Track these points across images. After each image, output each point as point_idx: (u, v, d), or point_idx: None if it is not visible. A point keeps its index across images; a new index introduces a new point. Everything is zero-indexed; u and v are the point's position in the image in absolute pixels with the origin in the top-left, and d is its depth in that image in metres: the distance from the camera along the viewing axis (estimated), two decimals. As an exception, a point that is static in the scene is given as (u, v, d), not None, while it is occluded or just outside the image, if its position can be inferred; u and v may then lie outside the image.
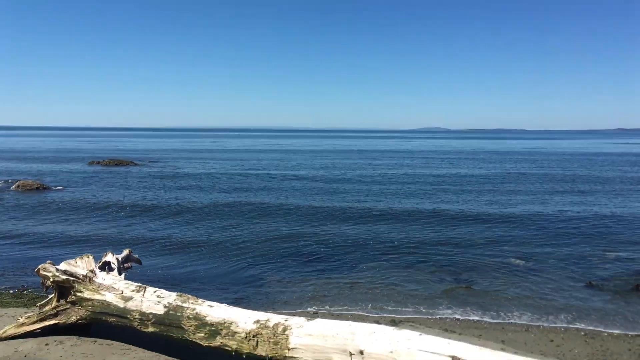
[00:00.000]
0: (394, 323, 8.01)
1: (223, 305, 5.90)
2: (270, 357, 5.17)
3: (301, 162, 46.73)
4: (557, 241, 14.44)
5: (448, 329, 7.87)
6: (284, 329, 5.18)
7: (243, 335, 5.33)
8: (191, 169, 37.28)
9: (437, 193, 24.93)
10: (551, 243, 14.22)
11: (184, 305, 5.86)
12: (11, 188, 24.54)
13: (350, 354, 4.75)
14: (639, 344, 7.61)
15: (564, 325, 8.38)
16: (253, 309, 6.04)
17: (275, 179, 30.64)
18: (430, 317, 8.63)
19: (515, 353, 5.46)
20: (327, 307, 9.06)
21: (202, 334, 5.56)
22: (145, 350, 6.28)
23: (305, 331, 5.09)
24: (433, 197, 23.41)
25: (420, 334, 4.79)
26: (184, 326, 5.69)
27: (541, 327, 8.23)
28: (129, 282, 6.65)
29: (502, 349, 6.52)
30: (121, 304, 6.20)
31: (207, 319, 5.62)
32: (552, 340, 7.49)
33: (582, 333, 8.00)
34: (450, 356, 4.40)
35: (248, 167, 40.09)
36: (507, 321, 8.52)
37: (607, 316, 8.87)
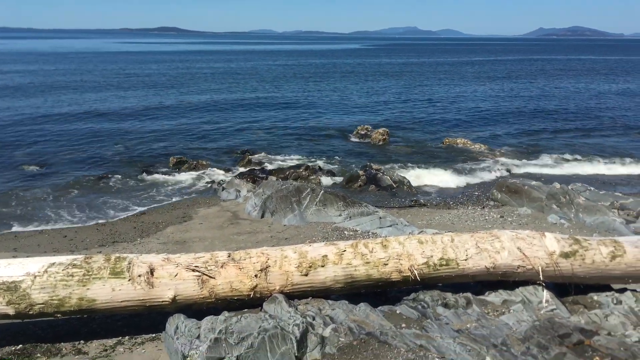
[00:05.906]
0: None
1: None
2: None
3: None
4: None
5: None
6: None
7: None
8: None
9: None
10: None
11: None
12: None
13: None
14: (143, 220, 8.95)
15: (82, 223, 8.93)
16: None
17: None
18: None
19: (28, 256, 5.56)
20: None
21: None
22: None
23: None
24: None
25: None
26: None
27: (55, 229, 8.53)
28: None
29: (14, 256, 6.47)
30: None
31: None
32: (65, 236, 7.91)
33: (95, 223, 8.77)
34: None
35: None
36: (18, 230, 8.43)
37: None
